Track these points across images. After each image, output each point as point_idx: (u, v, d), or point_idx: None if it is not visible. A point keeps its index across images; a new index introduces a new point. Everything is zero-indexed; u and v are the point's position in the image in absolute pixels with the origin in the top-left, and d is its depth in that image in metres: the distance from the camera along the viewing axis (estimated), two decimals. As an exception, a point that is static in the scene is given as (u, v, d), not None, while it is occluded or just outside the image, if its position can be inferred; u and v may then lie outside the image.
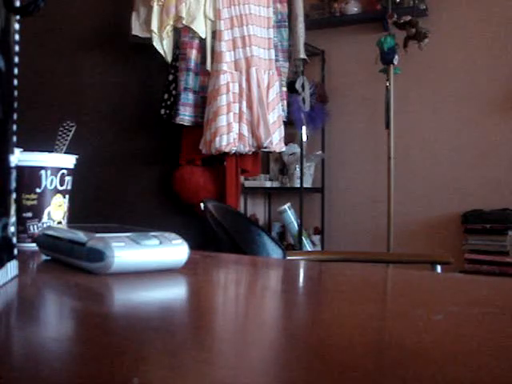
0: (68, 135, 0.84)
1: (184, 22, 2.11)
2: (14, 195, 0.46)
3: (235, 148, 2.14)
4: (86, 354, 0.27)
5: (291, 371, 0.25)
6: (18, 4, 0.44)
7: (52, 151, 0.81)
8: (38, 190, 0.75)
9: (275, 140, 2.21)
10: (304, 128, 3.53)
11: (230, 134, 2.10)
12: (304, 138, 3.58)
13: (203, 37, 2.15)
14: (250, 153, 2.25)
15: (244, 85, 2.15)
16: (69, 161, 0.79)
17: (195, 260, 0.61)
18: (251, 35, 2.15)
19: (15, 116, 0.46)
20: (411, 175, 3.63)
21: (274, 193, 4.11)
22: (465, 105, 3.49)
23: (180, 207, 2.36)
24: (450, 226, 3.47)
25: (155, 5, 2.11)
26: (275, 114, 2.22)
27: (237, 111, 2.14)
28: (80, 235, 0.53)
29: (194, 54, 2.16)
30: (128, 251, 0.50)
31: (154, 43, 2.15)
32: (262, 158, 2.60)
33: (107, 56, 2.25)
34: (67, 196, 0.79)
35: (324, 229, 3.92)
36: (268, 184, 3.87)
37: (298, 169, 3.68)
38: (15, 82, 0.46)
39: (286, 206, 3.67)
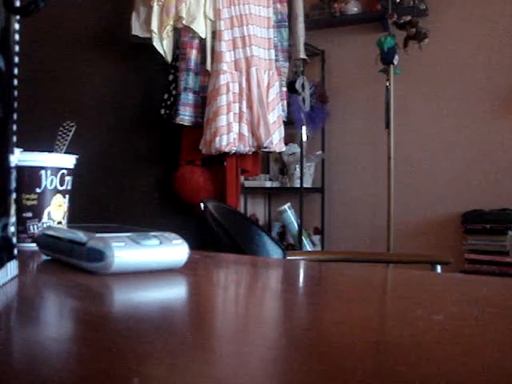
0: (68, 135, 0.84)
1: (184, 21, 2.11)
2: (14, 195, 0.46)
3: (235, 148, 2.14)
4: (86, 354, 0.27)
5: (291, 371, 0.25)
6: (18, 4, 0.44)
7: (52, 151, 0.81)
8: (38, 190, 0.75)
9: (275, 140, 2.21)
10: (304, 128, 3.53)
11: (229, 134, 2.10)
12: (304, 138, 3.58)
13: (203, 37, 2.15)
14: (250, 153, 2.25)
15: (244, 85, 2.15)
16: (69, 161, 0.79)
17: (195, 260, 0.61)
18: (251, 35, 2.15)
19: (15, 116, 0.46)
20: (411, 175, 3.63)
21: (274, 193, 4.11)
22: (465, 105, 3.49)
23: (180, 207, 2.36)
24: (450, 226, 3.47)
25: (155, 5, 2.11)
26: (275, 114, 2.22)
27: (237, 111, 2.14)
28: (80, 235, 0.53)
29: (193, 54, 2.16)
30: (128, 251, 0.50)
31: (154, 43, 2.15)
32: (262, 157, 2.60)
33: (107, 56, 2.25)
34: (67, 196, 0.79)
35: (324, 229, 3.92)
36: (268, 184, 3.87)
37: (297, 169, 3.68)
38: (15, 81, 0.46)
39: (285, 206, 3.67)
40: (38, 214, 0.75)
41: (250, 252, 1.41)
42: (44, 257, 0.62)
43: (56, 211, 0.77)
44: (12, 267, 0.47)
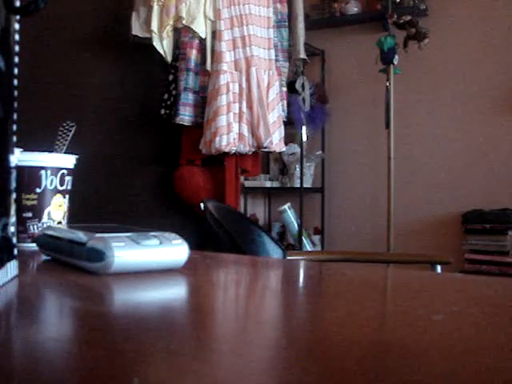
0: (68, 135, 0.84)
1: (184, 22, 2.11)
2: (14, 195, 0.46)
3: (235, 148, 2.14)
4: (86, 354, 0.27)
5: (291, 371, 0.25)
6: (17, 4, 0.44)
7: (52, 151, 0.81)
8: (37, 190, 0.75)
9: (275, 140, 2.21)
10: (304, 128, 3.53)
11: (230, 134, 2.10)
12: (304, 138, 3.58)
13: (203, 37, 2.15)
14: (250, 153, 2.25)
15: (244, 85, 2.15)
16: (69, 161, 0.79)
17: (195, 260, 0.61)
18: (251, 35, 2.15)
19: (15, 116, 0.46)
20: (411, 175, 3.63)
21: (274, 193, 4.11)
22: (465, 105, 3.49)
23: (180, 207, 2.36)
24: (450, 225, 3.47)
25: (155, 5, 2.11)
26: (275, 114, 2.22)
27: (237, 111, 2.14)
28: (80, 235, 0.53)
29: (194, 54, 2.16)
30: (128, 251, 0.50)
31: (154, 43, 2.15)
32: (262, 157, 2.60)
33: (107, 56, 2.25)
34: (67, 196, 0.79)
35: (324, 229, 3.92)
36: (268, 184, 3.87)
37: (297, 169, 3.68)
38: (15, 82, 0.46)
39: (286, 206, 3.67)
40: (38, 214, 0.75)
41: (250, 252, 1.41)
42: (44, 257, 0.62)
43: (56, 211, 0.77)
44: (12, 267, 0.47)
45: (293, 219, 3.66)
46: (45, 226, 0.75)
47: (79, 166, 0.82)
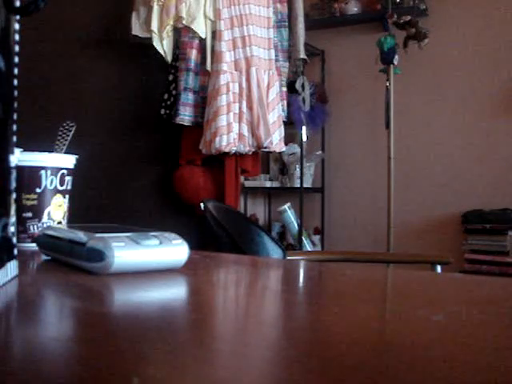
0: (68, 135, 0.84)
1: (184, 21, 2.11)
2: (14, 195, 0.46)
3: (235, 148, 2.14)
4: (86, 354, 0.27)
5: (291, 371, 0.25)
6: (18, 4, 0.44)
7: (52, 151, 0.81)
8: (38, 190, 0.75)
9: (275, 140, 2.21)
10: (304, 128, 3.53)
11: (229, 134, 2.10)
12: (304, 138, 3.58)
13: (203, 37, 2.15)
14: (250, 153, 2.25)
15: (244, 85, 2.15)
16: (69, 161, 0.79)
17: (195, 260, 0.61)
18: (251, 35, 2.15)
19: (15, 116, 0.46)
20: (411, 175, 3.62)
21: (274, 193, 4.11)
22: (465, 104, 3.49)
23: (180, 207, 2.36)
24: (450, 225, 3.47)
25: (155, 5, 2.11)
26: (275, 114, 2.22)
27: (237, 111, 2.14)
28: (80, 235, 0.53)
29: (194, 54, 2.16)
30: (128, 251, 0.50)
31: (154, 43, 2.15)
32: (262, 157, 2.60)
33: (107, 56, 2.25)
34: (67, 196, 0.79)
35: (324, 229, 3.92)
36: (268, 184, 3.87)
37: (297, 169, 3.68)
38: (15, 82, 0.46)
39: (286, 206, 3.67)
40: (38, 214, 0.75)
41: (250, 252, 1.41)
42: (44, 257, 0.62)
43: (56, 211, 0.77)
44: (12, 267, 0.47)
45: (293, 219, 3.66)
46: (45, 225, 0.75)
47: (79, 166, 0.82)
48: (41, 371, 0.25)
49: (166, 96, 2.26)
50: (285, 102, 2.36)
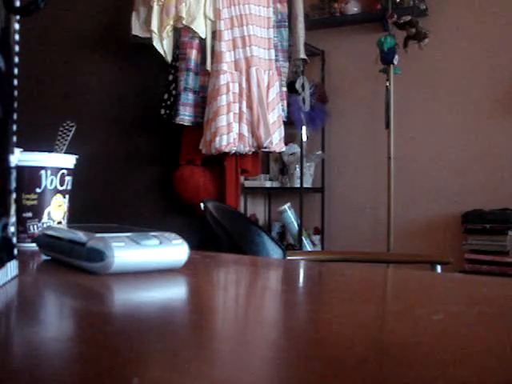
0: (68, 135, 0.84)
1: (184, 21, 2.11)
2: (14, 195, 0.46)
3: (235, 148, 2.14)
4: (86, 354, 0.27)
5: (291, 371, 0.25)
6: (18, 4, 0.44)
7: (52, 151, 0.81)
8: (38, 190, 0.75)
9: (275, 140, 2.21)
10: (304, 128, 3.53)
11: (229, 134, 2.10)
12: (304, 138, 3.58)
13: (203, 37, 2.15)
14: (250, 153, 2.25)
15: (244, 85, 2.15)
16: (69, 161, 0.79)
17: (195, 260, 0.61)
18: (251, 35, 2.15)
19: (15, 116, 0.46)
20: (411, 175, 3.63)
21: (274, 193, 4.11)
22: (465, 104, 3.49)
23: (180, 207, 2.36)
24: (450, 226, 3.47)
25: (155, 5, 2.11)
26: (275, 114, 2.22)
27: (237, 111, 2.14)
28: (80, 235, 0.53)
29: (194, 54, 2.16)
30: (128, 251, 0.50)
31: (154, 43, 2.15)
32: (262, 158, 2.60)
33: (107, 56, 2.25)
34: (67, 196, 0.79)
35: (324, 229, 3.92)
36: (268, 184, 3.87)
37: (297, 169, 3.68)
38: (15, 82, 0.46)
39: (286, 206, 3.67)
40: (38, 213, 0.75)
41: (250, 252, 1.41)
42: (44, 257, 0.62)
43: (56, 211, 0.77)
44: (12, 267, 0.47)
45: (293, 219, 3.66)
46: (45, 225, 0.75)
47: (79, 166, 0.82)
48: (41, 371, 0.25)
49: (165, 96, 2.26)
50: (285, 102, 2.36)
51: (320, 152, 3.85)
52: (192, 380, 0.24)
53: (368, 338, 0.31)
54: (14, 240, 0.47)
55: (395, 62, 3.24)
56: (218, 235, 1.49)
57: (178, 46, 2.20)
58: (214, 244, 1.82)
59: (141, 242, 0.52)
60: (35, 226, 0.75)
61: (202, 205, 1.58)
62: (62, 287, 0.46)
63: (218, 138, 2.09)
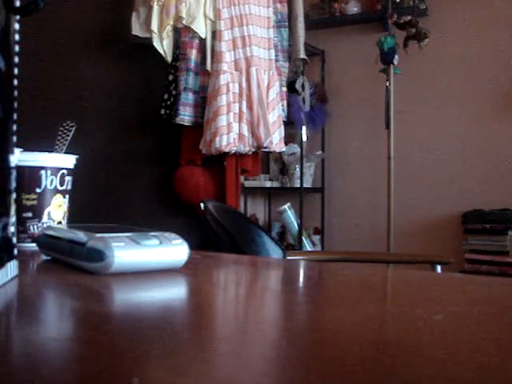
0: (68, 135, 0.84)
1: (184, 22, 2.11)
2: (14, 195, 0.46)
3: (235, 148, 2.14)
4: (86, 354, 0.27)
5: (291, 371, 0.25)
6: (18, 4, 0.44)
7: (52, 151, 0.81)
8: (38, 190, 0.75)
9: (275, 140, 2.21)
10: (304, 128, 3.53)
11: (229, 134, 2.10)
12: (304, 138, 3.58)
13: (203, 37, 2.15)
14: (250, 153, 2.25)
15: (244, 85, 2.15)
16: (69, 161, 0.79)
17: (195, 260, 0.61)
18: (251, 35, 2.15)
19: (15, 116, 0.46)
20: (411, 175, 3.62)
21: (274, 193, 4.11)
22: (465, 105, 3.49)
23: (180, 207, 2.36)
24: (450, 226, 3.47)
25: (155, 5, 2.11)
26: (275, 114, 2.22)
27: (237, 111, 2.14)
28: (80, 235, 0.53)
29: (194, 53, 2.16)
30: (128, 251, 0.50)
31: (154, 43, 2.15)
32: (262, 157, 2.60)
33: (107, 56, 2.25)
34: (67, 196, 0.79)
35: (324, 229, 3.92)
36: (268, 184, 3.87)
37: (298, 169, 3.68)
38: (15, 82, 0.46)
39: (286, 206, 3.67)
40: (38, 213, 0.75)
41: (250, 252, 1.41)
42: (44, 257, 0.62)
43: (56, 211, 0.77)
44: (12, 267, 0.47)
45: (293, 219, 3.66)
46: (45, 225, 0.75)
47: (79, 166, 0.82)
48: (41, 371, 0.25)
49: (166, 96, 2.26)
50: (285, 102, 2.36)
51: (320, 152, 3.85)
52: (192, 380, 0.24)
53: (368, 337, 0.31)
54: (14, 240, 0.47)
55: (395, 62, 3.24)
56: (218, 235, 1.49)
57: (178, 46, 2.20)
58: (213, 244, 1.82)
59: (141, 242, 0.52)
60: (35, 226, 0.75)
61: (202, 205, 1.58)
62: (62, 287, 0.46)
63: (218, 138, 2.09)
